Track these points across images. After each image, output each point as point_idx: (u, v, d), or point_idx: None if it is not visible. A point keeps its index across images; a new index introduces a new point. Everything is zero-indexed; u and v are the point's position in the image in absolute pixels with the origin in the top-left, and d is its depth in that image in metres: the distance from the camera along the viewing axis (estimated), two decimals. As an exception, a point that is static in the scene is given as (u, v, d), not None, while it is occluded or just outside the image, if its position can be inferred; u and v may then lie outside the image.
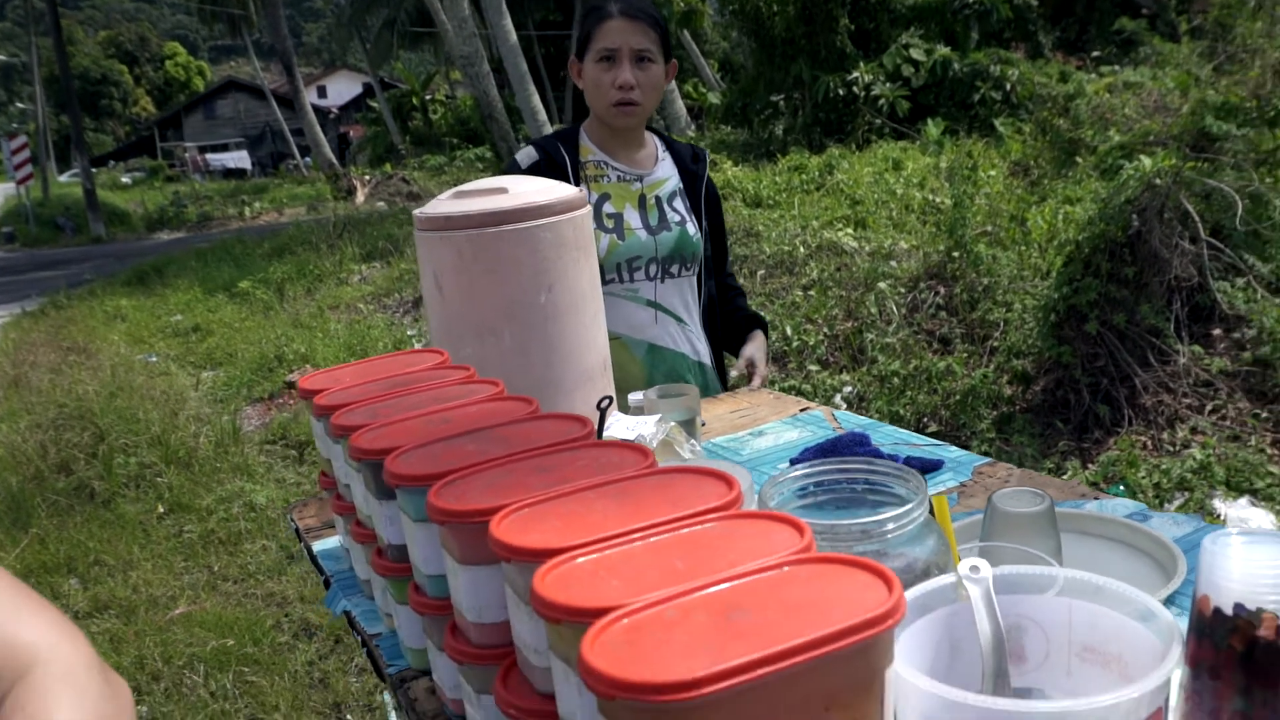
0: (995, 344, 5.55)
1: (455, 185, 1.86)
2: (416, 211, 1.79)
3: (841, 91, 14.96)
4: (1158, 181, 4.90)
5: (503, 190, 1.74)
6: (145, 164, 51.10)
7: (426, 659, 1.25)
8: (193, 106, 53.58)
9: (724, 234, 2.61)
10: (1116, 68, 13.84)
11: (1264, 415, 4.30)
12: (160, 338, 9.78)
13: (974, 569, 0.89)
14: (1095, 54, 17.33)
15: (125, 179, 46.15)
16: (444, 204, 1.76)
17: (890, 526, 0.93)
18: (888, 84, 15.29)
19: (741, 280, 7.74)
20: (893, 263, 6.90)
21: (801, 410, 2.15)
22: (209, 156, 46.77)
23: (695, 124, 19.18)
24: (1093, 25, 19.56)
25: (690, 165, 2.48)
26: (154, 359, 8.77)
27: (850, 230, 8.55)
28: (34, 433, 6.11)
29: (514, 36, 16.68)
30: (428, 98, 37.19)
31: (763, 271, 7.82)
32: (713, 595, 0.73)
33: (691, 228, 2.41)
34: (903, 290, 6.50)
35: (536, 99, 16.85)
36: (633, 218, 2.35)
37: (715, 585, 0.74)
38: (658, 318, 2.38)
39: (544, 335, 1.75)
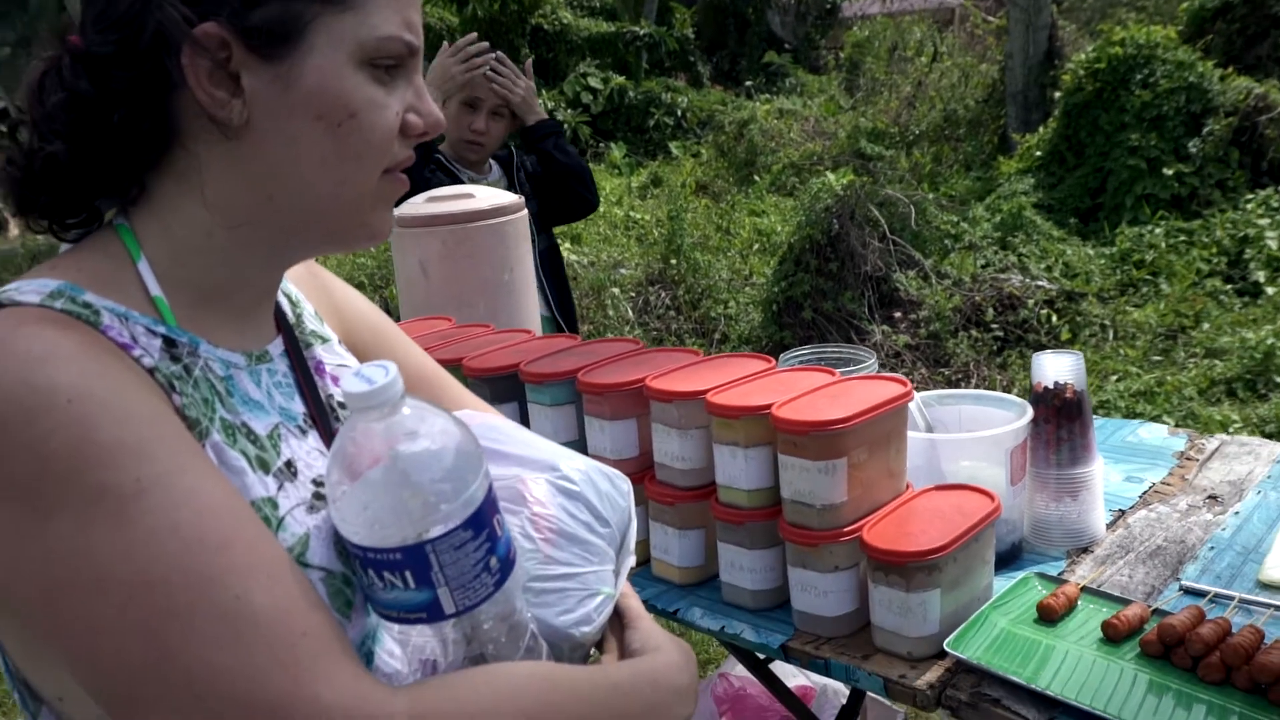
0: (721, 334, 6.47)
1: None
2: (397, 213, 2.29)
3: (526, 116, 15.79)
4: (844, 193, 6.00)
5: (471, 195, 2.28)
6: None
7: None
8: None
9: (551, 182, 3.07)
10: (768, 96, 15.61)
11: (939, 376, 5.45)
12: None
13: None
14: (748, 83, 19.34)
15: None
16: (422, 206, 2.27)
17: (865, 368, 1.62)
18: (569, 110, 16.26)
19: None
20: (621, 270, 7.71)
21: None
22: None
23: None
24: (744, 58, 21.70)
25: (503, 157, 3.09)
26: None
27: (567, 244, 9.30)
28: None
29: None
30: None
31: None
32: (819, 390, 1.38)
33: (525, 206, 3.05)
34: (632, 295, 7.32)
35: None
36: None
37: (815, 391, 1.39)
38: None
39: (507, 305, 2.30)
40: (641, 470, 1.57)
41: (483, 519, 0.77)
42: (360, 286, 8.88)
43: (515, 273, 2.30)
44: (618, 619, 0.99)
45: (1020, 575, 1.42)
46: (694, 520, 1.51)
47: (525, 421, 1.71)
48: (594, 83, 16.85)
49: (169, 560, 0.67)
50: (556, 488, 0.96)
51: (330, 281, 1.08)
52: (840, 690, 2.30)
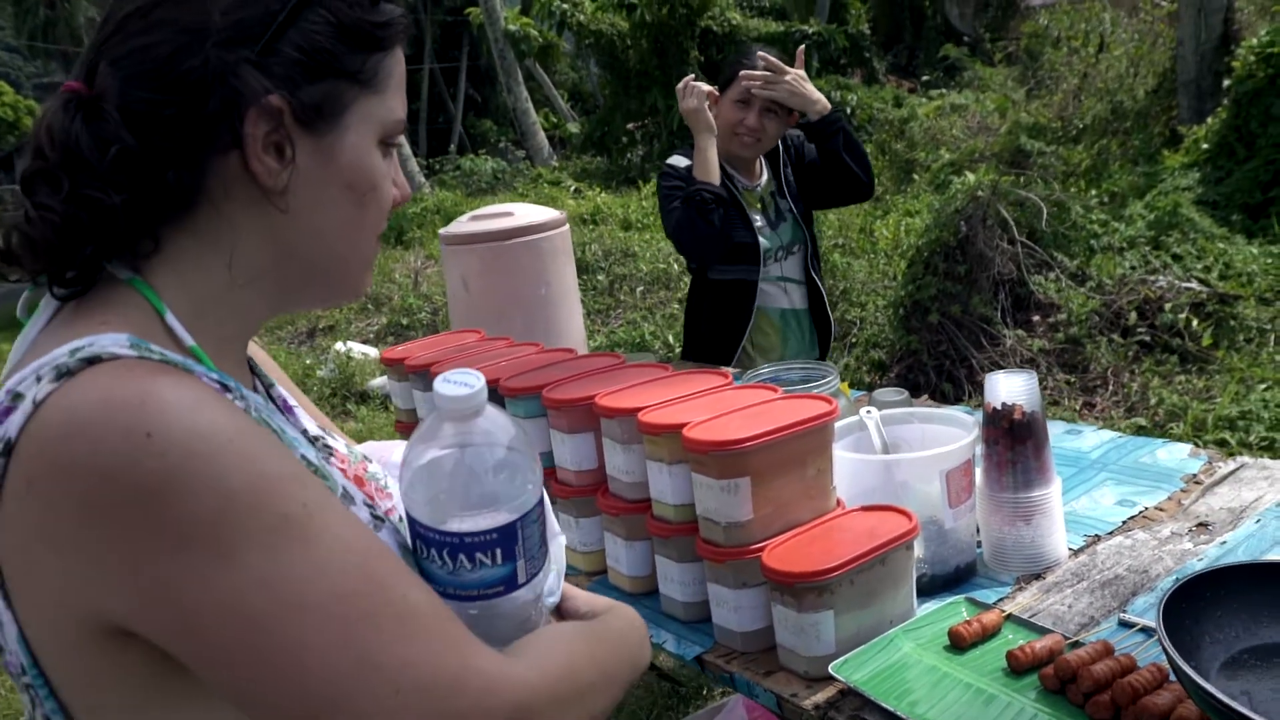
0: (854, 339, 6.38)
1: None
2: (442, 231, 2.41)
3: (696, 119, 15.85)
4: (980, 193, 5.81)
5: (510, 214, 2.38)
6: (-24, 209, 48.78)
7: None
8: (24, 148, 51.40)
9: (822, 168, 2.87)
10: (944, 90, 15.18)
11: (1074, 382, 5.21)
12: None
13: (869, 410, 1.59)
14: (924, 78, 18.82)
15: (-44, 226, 43.96)
16: (465, 225, 2.39)
17: (821, 385, 1.62)
18: (738, 111, 16.25)
19: (623, 296, 8.44)
20: (760, 273, 7.70)
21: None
22: (46, 199, 44.78)
23: (557, 153, 19.85)
24: (921, 52, 21.15)
25: (768, 154, 2.93)
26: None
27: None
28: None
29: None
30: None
31: (641, 288, 8.54)
32: (742, 411, 1.40)
33: (794, 211, 2.90)
34: (770, 297, 7.29)
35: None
36: (758, 218, 2.86)
37: (741, 409, 1.41)
38: (786, 287, 2.94)
39: (544, 318, 2.39)
40: (599, 482, 1.63)
41: (542, 498, 0.89)
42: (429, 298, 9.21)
43: (552, 287, 2.39)
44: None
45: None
46: (640, 531, 1.55)
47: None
48: (763, 83, 16.78)
49: (353, 572, 0.73)
50: None
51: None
52: None
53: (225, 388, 0.79)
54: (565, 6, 16.48)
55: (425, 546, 0.85)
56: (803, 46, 2.97)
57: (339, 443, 1.00)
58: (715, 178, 2.67)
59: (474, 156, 21.13)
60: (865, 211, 8.92)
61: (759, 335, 2.91)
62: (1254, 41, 6.94)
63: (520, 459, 0.85)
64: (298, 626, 0.70)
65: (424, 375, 1.98)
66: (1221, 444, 4.39)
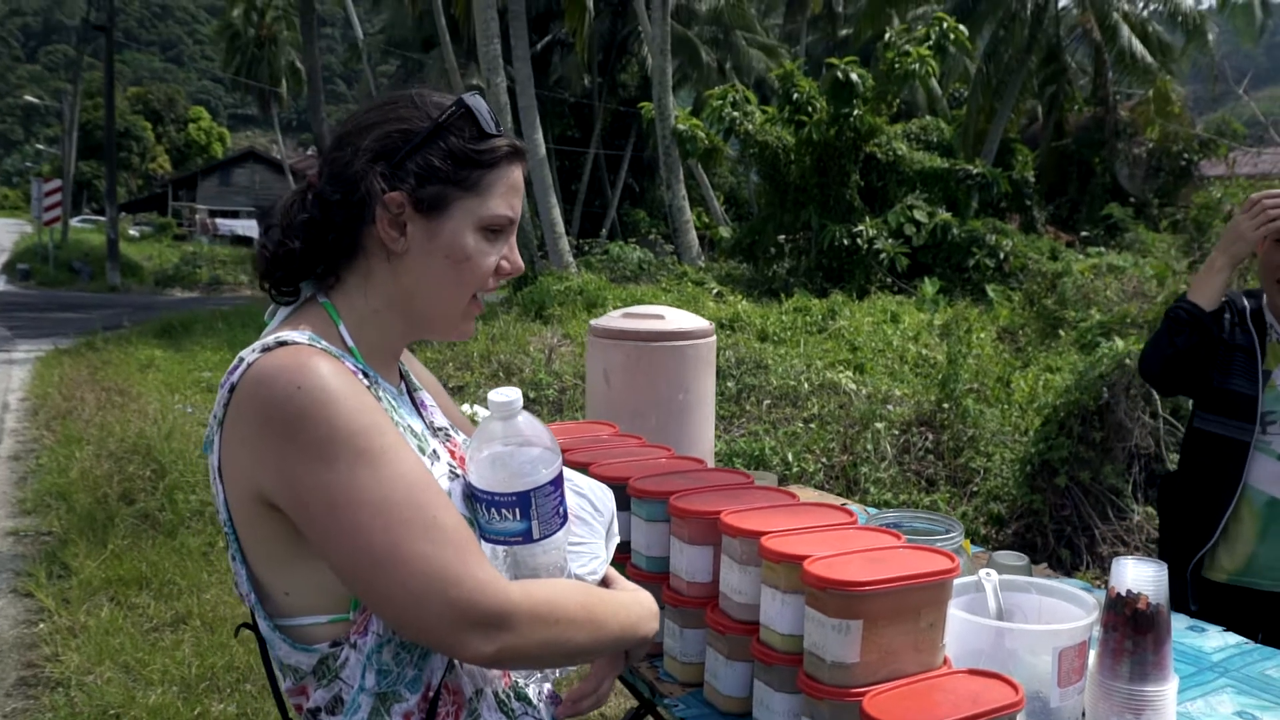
0: (975, 488, 6.26)
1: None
2: (593, 323, 2.51)
3: (846, 241, 15.91)
4: (1128, 361, 5.69)
5: (661, 317, 2.47)
6: (154, 220, 52.06)
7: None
8: (210, 171, 54.66)
9: None
10: (1103, 249, 14.92)
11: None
12: (194, 390, 10.40)
13: (988, 574, 1.59)
14: (1084, 233, 18.54)
15: (134, 231, 46.96)
16: (616, 320, 2.48)
17: (945, 539, 1.63)
18: (890, 239, 16.25)
19: (749, 406, 8.47)
20: (889, 406, 7.64)
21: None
22: (219, 221, 47.44)
23: (705, 254, 20.13)
24: (1084, 207, 20.89)
25: None
26: (190, 410, 9.35)
27: (850, 373, 9.31)
28: (100, 461, 6.70)
29: (543, 150, 17.76)
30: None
31: (768, 401, 8.55)
32: (863, 553, 1.43)
33: None
34: (896, 432, 7.22)
35: (557, 211, 17.81)
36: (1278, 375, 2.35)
37: (864, 551, 1.44)
38: None
39: (679, 423, 2.45)
40: (710, 596, 1.66)
41: (558, 482, 1.26)
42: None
43: (691, 394, 2.45)
44: (604, 579, 1.44)
45: (1050, 782, 1.38)
46: (743, 652, 1.57)
47: (628, 531, 1.84)
48: (919, 215, 16.76)
49: (400, 493, 1.12)
50: (572, 490, 1.44)
51: (410, 357, 1.51)
52: None
53: (366, 374, 1.24)
54: (735, 115, 16.88)
55: (474, 502, 1.25)
56: None
57: (461, 437, 1.45)
58: (1208, 300, 2.33)
59: (623, 244, 21.60)
60: (1006, 360, 8.80)
61: (1232, 520, 2.36)
62: None
63: (541, 454, 1.23)
64: (356, 515, 1.10)
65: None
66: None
